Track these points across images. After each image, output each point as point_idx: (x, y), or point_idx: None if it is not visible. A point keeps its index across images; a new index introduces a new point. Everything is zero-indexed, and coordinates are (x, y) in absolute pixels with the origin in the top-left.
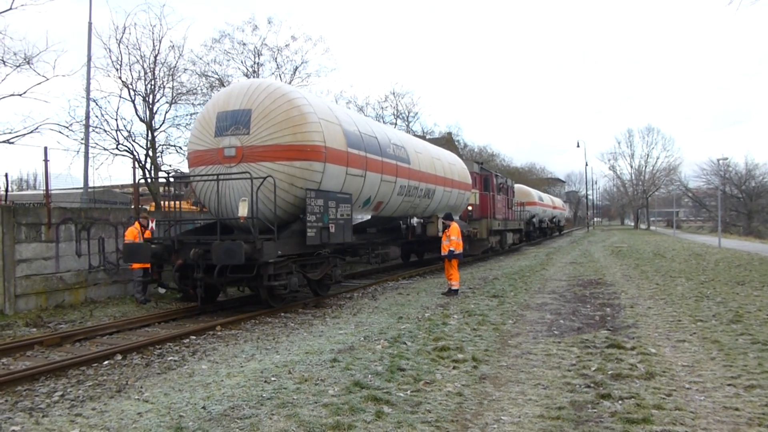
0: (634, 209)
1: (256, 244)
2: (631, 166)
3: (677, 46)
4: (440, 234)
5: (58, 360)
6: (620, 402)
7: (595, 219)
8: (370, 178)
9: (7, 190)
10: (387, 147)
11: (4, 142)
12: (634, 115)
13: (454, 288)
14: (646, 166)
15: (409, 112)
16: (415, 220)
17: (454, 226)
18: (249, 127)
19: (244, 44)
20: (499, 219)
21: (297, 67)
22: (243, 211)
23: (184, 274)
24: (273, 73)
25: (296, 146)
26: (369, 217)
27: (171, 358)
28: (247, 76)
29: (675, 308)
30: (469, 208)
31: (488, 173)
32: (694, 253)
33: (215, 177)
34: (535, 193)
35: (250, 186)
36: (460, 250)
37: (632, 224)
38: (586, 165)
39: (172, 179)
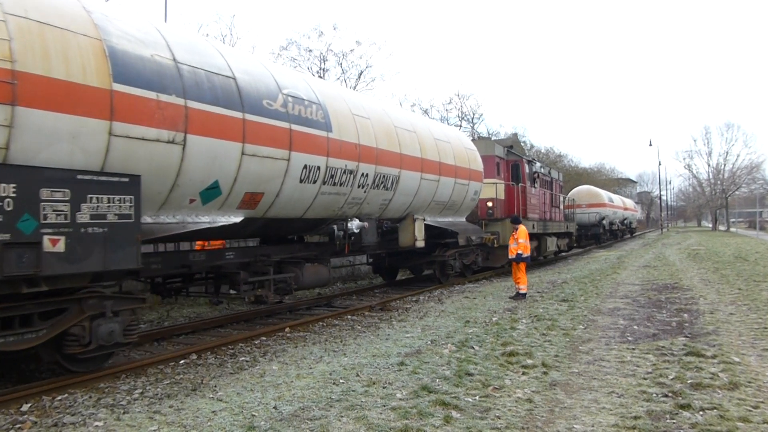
0: (712, 210)
1: None
2: (709, 165)
3: (759, 33)
4: (419, 243)
5: (138, 359)
6: (701, 413)
7: (668, 222)
8: (205, 148)
9: None
10: (266, 98)
11: None
12: (711, 112)
13: (521, 292)
14: (725, 165)
15: (474, 114)
16: (356, 224)
17: (522, 229)
18: None
19: (310, 51)
20: (534, 219)
21: (362, 72)
22: None
23: None
24: (338, 78)
25: None
26: (239, 219)
27: (243, 358)
28: None
29: (760, 315)
30: (489, 204)
31: (518, 158)
32: None
33: None
34: (604, 194)
35: None
36: (528, 253)
37: (710, 226)
38: (659, 164)
39: None
